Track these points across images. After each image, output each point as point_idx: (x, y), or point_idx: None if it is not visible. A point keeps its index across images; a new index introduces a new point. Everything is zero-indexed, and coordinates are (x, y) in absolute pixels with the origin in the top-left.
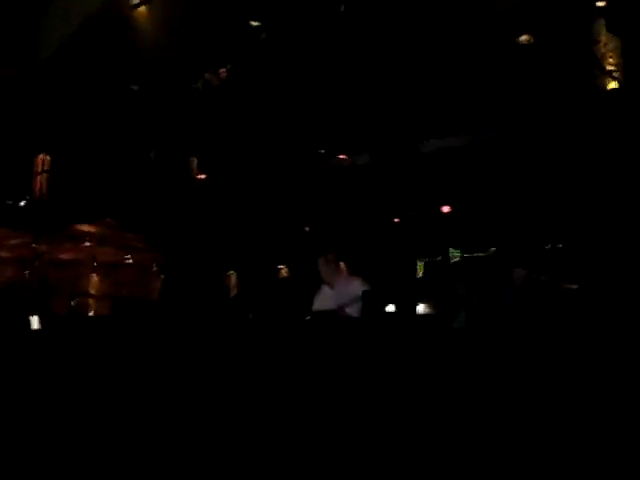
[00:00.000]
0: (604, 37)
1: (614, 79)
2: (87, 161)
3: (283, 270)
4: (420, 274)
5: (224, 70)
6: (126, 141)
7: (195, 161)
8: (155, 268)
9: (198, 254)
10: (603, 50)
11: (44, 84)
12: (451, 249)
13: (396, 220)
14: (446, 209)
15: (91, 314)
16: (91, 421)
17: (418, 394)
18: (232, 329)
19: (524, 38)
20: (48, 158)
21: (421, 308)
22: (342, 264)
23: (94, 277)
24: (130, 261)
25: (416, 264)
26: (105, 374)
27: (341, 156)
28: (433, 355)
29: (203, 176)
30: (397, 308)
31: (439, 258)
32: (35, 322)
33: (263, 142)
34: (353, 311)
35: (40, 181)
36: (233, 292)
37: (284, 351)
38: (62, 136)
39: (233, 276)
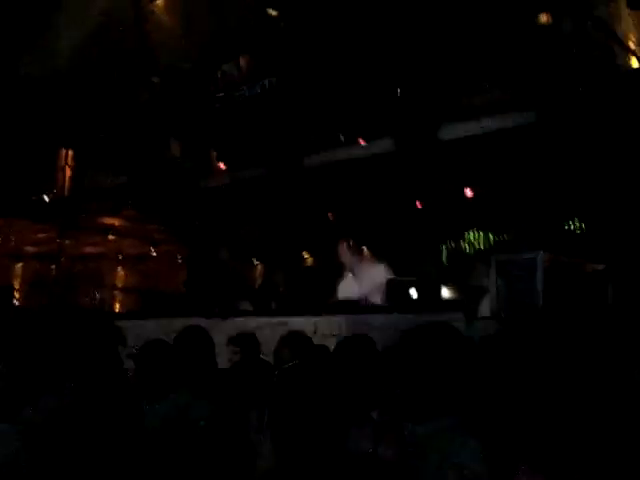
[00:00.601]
0: (625, 14)
1: (637, 57)
2: (109, 154)
3: (308, 258)
4: (444, 259)
5: (245, 61)
6: (146, 134)
7: (215, 153)
8: (180, 260)
9: (221, 245)
10: (624, 28)
11: (66, 80)
12: (473, 233)
13: (419, 204)
14: (469, 193)
15: (117, 307)
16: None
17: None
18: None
19: (544, 18)
20: (71, 152)
21: (445, 294)
22: (364, 250)
23: (119, 270)
24: (154, 253)
25: (440, 249)
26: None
27: (361, 142)
28: (458, 346)
29: (223, 166)
30: (421, 294)
31: (463, 242)
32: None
33: (282, 130)
34: (377, 299)
35: (63, 175)
36: (258, 282)
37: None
38: (85, 130)
39: (259, 266)
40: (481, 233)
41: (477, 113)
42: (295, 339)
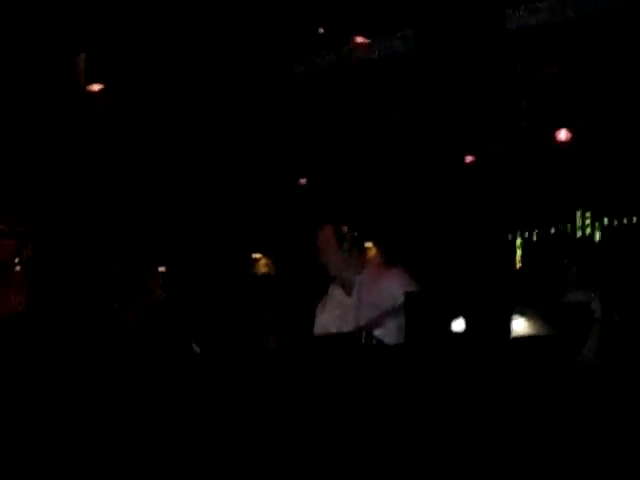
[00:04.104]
0: None
1: None
2: None
3: (260, 262)
4: (518, 260)
5: None
6: None
7: (83, 58)
8: (17, 264)
9: (91, 234)
10: None
11: None
12: (578, 213)
13: (469, 159)
14: (564, 136)
15: None
16: None
17: None
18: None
19: None
20: None
21: (520, 325)
22: (369, 246)
23: None
24: None
25: (511, 243)
26: None
27: (358, 39)
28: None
29: (97, 87)
30: (472, 325)
31: (553, 231)
32: None
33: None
34: (389, 333)
35: None
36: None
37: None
38: None
39: (156, 275)
40: (587, 215)
41: None
42: None
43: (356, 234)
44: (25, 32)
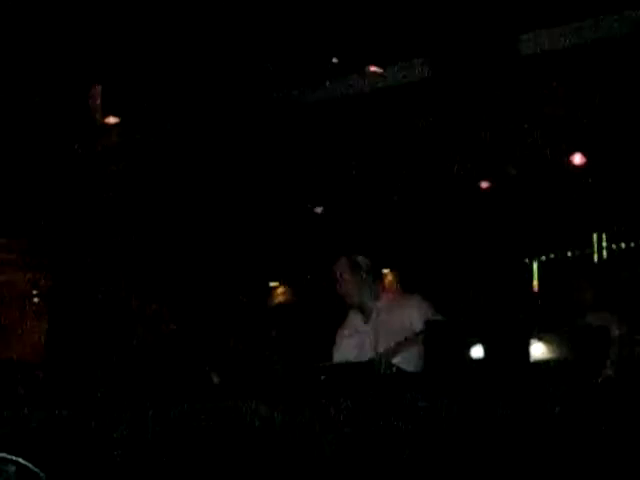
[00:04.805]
0: None
1: None
2: None
3: (278, 291)
4: (535, 284)
5: None
6: None
7: (99, 91)
8: (35, 295)
9: (110, 268)
10: None
11: None
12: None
13: (485, 185)
14: (578, 160)
15: None
16: None
17: None
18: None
19: None
20: None
21: (538, 349)
22: (387, 274)
23: None
24: None
25: (528, 267)
26: None
27: (371, 68)
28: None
29: (113, 120)
30: (491, 352)
31: (571, 254)
32: None
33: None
34: (408, 361)
35: None
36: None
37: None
38: None
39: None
40: (603, 238)
41: None
42: None
43: (368, 262)
44: (41, 64)
